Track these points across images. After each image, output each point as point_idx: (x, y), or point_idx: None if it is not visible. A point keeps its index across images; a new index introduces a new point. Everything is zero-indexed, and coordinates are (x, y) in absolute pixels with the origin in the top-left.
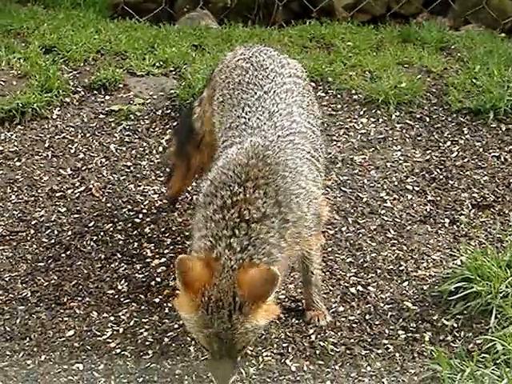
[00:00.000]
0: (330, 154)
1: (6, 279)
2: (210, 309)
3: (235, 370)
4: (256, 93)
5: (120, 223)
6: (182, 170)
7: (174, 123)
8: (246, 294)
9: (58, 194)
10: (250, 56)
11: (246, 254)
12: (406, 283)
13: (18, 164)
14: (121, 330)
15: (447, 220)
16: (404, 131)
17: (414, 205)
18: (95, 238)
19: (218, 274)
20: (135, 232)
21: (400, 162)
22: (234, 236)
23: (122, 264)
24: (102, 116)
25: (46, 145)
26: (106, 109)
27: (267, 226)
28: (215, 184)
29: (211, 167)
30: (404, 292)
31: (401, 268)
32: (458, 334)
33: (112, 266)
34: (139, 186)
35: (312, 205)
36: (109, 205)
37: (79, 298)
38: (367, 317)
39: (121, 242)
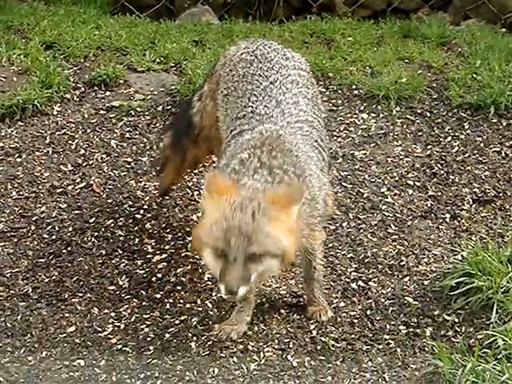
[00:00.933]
0: (331, 149)
1: (7, 275)
2: (234, 207)
3: (245, 281)
4: (262, 83)
5: (121, 219)
6: (176, 162)
7: (171, 117)
8: (271, 200)
9: (58, 190)
10: (254, 49)
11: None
12: (407, 278)
13: (18, 160)
14: (122, 326)
15: (448, 215)
16: (405, 126)
17: (415, 200)
18: (96, 234)
19: (243, 188)
20: (136, 228)
21: (401, 157)
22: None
23: (123, 260)
24: (102, 112)
25: (47, 141)
26: (107, 105)
27: None
28: (231, 165)
29: (221, 156)
30: (405, 287)
31: (402, 263)
32: (459, 329)
33: (113, 261)
34: (140, 181)
35: (322, 190)
36: (110, 201)
37: (80, 294)
38: (368, 312)
39: (122, 238)
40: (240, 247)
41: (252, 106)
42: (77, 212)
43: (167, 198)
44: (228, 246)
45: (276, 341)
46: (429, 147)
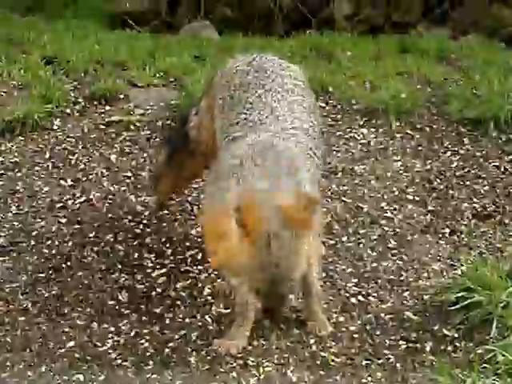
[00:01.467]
0: (330, 163)
1: (7, 290)
2: (269, 237)
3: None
4: (257, 91)
5: (121, 234)
6: (172, 177)
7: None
8: (293, 220)
9: (58, 205)
10: (250, 60)
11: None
12: (407, 293)
13: (18, 175)
14: (121, 341)
15: (447, 230)
16: (404, 141)
17: (415, 215)
18: (96, 248)
19: (266, 210)
20: (136, 242)
21: (400, 171)
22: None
23: (123, 274)
24: (102, 127)
25: (47, 156)
26: (107, 119)
27: None
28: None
29: (214, 162)
30: (405, 302)
31: (401, 278)
32: (458, 344)
33: (113, 276)
34: (140, 196)
35: None
36: (109, 215)
37: (80, 309)
38: (368, 327)
39: (121, 253)
40: (283, 285)
41: (246, 113)
42: (76, 227)
43: (167, 212)
44: (269, 284)
45: (275, 356)
46: (428, 162)
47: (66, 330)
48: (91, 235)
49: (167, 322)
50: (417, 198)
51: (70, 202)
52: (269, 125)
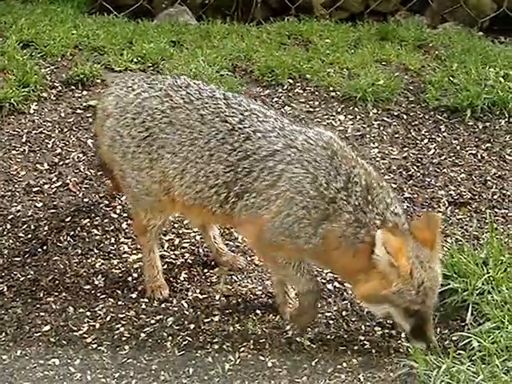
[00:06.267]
0: None
1: None
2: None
3: None
4: None
5: (97, 218)
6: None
7: None
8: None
9: (34, 189)
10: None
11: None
12: None
13: None
14: (97, 325)
15: None
16: (381, 128)
17: None
18: (72, 233)
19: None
20: (112, 227)
21: (377, 159)
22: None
23: (99, 259)
24: (79, 111)
25: (23, 140)
26: (84, 104)
27: None
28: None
29: None
30: None
31: None
32: (434, 331)
33: (89, 261)
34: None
35: None
36: (86, 200)
37: (55, 293)
38: (344, 313)
39: (98, 238)
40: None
41: None
42: (53, 211)
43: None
44: (425, 306)
45: (251, 341)
46: (405, 149)
47: (42, 314)
48: (67, 220)
49: (143, 306)
50: (393, 185)
51: (46, 186)
52: None
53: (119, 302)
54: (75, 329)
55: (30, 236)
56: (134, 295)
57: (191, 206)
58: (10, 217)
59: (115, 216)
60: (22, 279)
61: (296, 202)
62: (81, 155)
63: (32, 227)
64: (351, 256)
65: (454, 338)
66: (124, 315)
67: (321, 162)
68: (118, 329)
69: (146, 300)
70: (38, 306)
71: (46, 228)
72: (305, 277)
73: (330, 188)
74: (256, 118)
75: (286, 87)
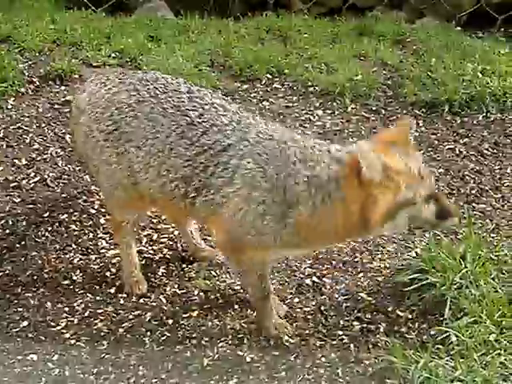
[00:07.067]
0: None
1: None
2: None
3: None
4: None
5: (75, 214)
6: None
7: None
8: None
9: (12, 184)
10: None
11: None
12: (361, 274)
13: None
14: (75, 321)
15: None
16: (360, 123)
17: None
18: (50, 228)
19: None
20: (90, 222)
21: None
22: None
23: (77, 255)
24: (57, 106)
25: (1, 135)
26: (62, 99)
27: None
28: None
29: None
30: (359, 283)
31: (356, 259)
32: (412, 326)
33: (67, 256)
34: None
35: None
36: (64, 195)
37: (34, 289)
38: (322, 308)
39: (76, 233)
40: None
41: None
42: (31, 206)
43: None
44: (431, 186)
45: (230, 336)
46: None
47: (20, 309)
48: (45, 215)
49: (121, 302)
50: None
51: (24, 182)
52: None
53: (97, 298)
54: (53, 324)
55: (7, 231)
56: (112, 290)
57: (158, 201)
58: None
59: (93, 211)
60: None
61: (253, 198)
62: (59, 150)
63: (10, 223)
64: (343, 202)
65: (432, 333)
66: (102, 310)
67: (269, 154)
68: (96, 324)
69: (125, 295)
70: (16, 301)
71: (24, 223)
72: (264, 284)
73: (280, 178)
74: (215, 111)
75: (264, 82)
